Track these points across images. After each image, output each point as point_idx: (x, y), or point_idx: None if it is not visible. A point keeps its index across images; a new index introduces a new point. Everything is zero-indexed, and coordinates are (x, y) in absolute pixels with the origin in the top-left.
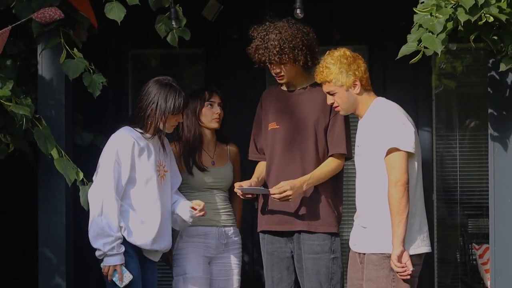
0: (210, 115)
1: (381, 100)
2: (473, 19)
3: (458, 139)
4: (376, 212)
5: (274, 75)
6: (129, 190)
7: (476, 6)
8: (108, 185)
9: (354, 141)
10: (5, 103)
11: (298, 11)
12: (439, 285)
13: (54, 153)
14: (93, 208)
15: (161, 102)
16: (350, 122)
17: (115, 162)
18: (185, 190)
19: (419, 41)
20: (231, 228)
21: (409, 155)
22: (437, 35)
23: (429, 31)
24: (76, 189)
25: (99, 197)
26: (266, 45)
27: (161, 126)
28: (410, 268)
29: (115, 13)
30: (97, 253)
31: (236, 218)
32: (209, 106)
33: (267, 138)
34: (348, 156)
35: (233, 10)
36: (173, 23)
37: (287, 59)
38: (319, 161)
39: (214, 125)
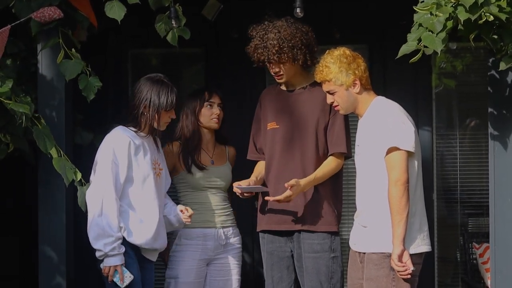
0: (209, 115)
1: (381, 99)
2: (473, 18)
3: (458, 138)
4: (376, 212)
5: (273, 74)
6: (127, 190)
7: (476, 5)
8: (107, 185)
9: (354, 141)
10: (5, 101)
11: (298, 10)
12: (439, 284)
13: (53, 152)
14: (92, 208)
15: (154, 98)
16: (349, 121)
17: (112, 162)
18: (184, 189)
19: (419, 40)
20: (230, 228)
21: (409, 154)
22: (437, 34)
23: (429, 30)
24: (76, 188)
25: (98, 197)
26: (265, 44)
27: (155, 123)
28: (410, 268)
29: (115, 12)
30: (98, 254)
31: None
32: (208, 106)
33: (266, 137)
34: (347, 155)
35: (233, 10)
36: (173, 22)
37: (286, 59)
38: (319, 160)
39: (213, 125)
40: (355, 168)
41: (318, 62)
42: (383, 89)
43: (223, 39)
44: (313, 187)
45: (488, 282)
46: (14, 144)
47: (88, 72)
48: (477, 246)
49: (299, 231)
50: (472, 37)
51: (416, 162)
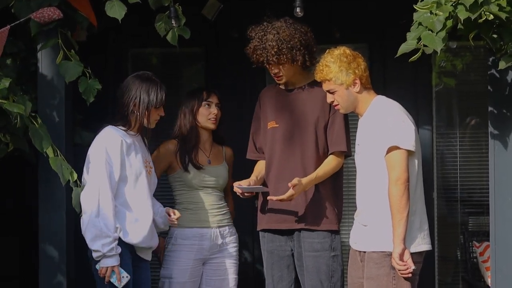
0: (207, 115)
1: (381, 98)
2: (473, 17)
3: (458, 137)
4: (376, 210)
5: (273, 75)
6: (121, 189)
7: (476, 4)
8: (102, 186)
9: (354, 140)
10: (1, 100)
11: (298, 9)
12: (439, 283)
13: (49, 151)
14: (88, 209)
15: (144, 96)
16: (350, 121)
17: (106, 161)
18: (180, 188)
19: (419, 39)
20: (226, 227)
21: (410, 153)
22: (437, 33)
23: (429, 29)
24: None
25: (94, 198)
26: (264, 45)
27: (145, 121)
28: (411, 266)
29: (116, 11)
30: (95, 255)
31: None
32: (206, 106)
33: (266, 137)
34: (347, 153)
35: (233, 10)
36: (173, 22)
37: (285, 60)
38: (319, 159)
39: (210, 125)
40: (355, 167)
41: (318, 62)
42: (383, 88)
43: (223, 39)
44: (313, 186)
45: (489, 281)
46: (14, 144)
47: (88, 74)
48: (477, 244)
49: (299, 230)
50: (472, 36)
51: (416, 161)
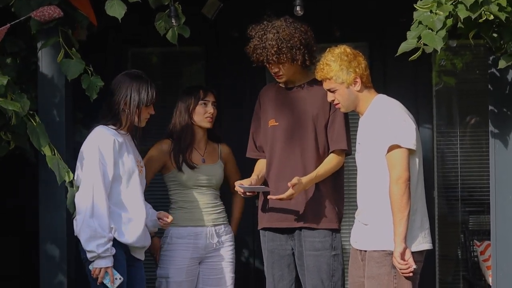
0: (203, 113)
1: (382, 97)
2: (473, 17)
3: (458, 135)
4: (377, 209)
5: (273, 74)
6: (115, 189)
7: (477, 4)
8: (96, 186)
9: (355, 139)
10: None
11: (298, 8)
12: (440, 282)
13: (46, 150)
14: (82, 210)
15: (134, 94)
16: (350, 119)
17: (99, 161)
18: (175, 187)
19: (419, 38)
20: (222, 226)
21: (410, 152)
22: (437, 32)
23: (429, 28)
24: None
25: (88, 198)
26: (264, 44)
27: (135, 120)
28: (413, 266)
29: (116, 10)
30: (90, 255)
31: (235, 217)
32: (203, 104)
33: (266, 135)
34: (348, 152)
35: (233, 9)
36: (173, 21)
37: (285, 59)
38: (319, 158)
39: (206, 124)
40: (355, 166)
41: (318, 61)
42: (383, 87)
43: (223, 38)
44: (314, 184)
45: (490, 280)
46: (15, 142)
47: (90, 72)
48: (478, 243)
49: (300, 229)
50: (472, 35)
51: (417, 160)
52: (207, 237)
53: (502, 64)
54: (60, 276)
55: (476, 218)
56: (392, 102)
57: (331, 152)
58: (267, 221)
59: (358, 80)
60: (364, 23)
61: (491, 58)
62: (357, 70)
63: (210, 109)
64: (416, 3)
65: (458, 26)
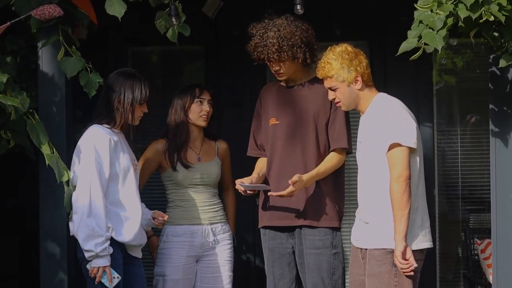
0: (199, 112)
1: (383, 95)
2: (474, 16)
3: (459, 134)
4: (378, 208)
5: (274, 72)
6: (111, 187)
7: (477, 3)
8: (93, 185)
9: (356, 137)
10: None
11: (298, 7)
12: (441, 280)
13: (45, 148)
14: (79, 209)
15: (128, 92)
16: (350, 117)
17: (95, 160)
18: (171, 187)
19: (420, 37)
20: (219, 224)
21: (411, 150)
22: (438, 31)
23: (430, 28)
24: None
25: (86, 197)
26: (265, 43)
27: (129, 118)
28: (414, 264)
29: (116, 9)
30: (88, 255)
31: (230, 214)
32: (198, 102)
33: (267, 133)
34: (348, 150)
35: (233, 9)
36: (173, 19)
37: (286, 57)
38: (320, 156)
39: (201, 123)
40: (356, 164)
41: (319, 59)
42: (383, 86)
43: (223, 38)
44: (314, 182)
45: (490, 278)
46: (14, 140)
47: (88, 69)
48: (478, 242)
49: (301, 227)
50: (472, 34)
51: (418, 159)
52: (203, 235)
53: (502, 63)
54: (60, 274)
55: (477, 216)
56: (393, 100)
57: (331, 151)
58: (267, 219)
59: (359, 78)
60: (364, 21)
61: (491, 56)
62: (358, 68)
63: (206, 107)
64: (416, 3)
65: (459, 25)
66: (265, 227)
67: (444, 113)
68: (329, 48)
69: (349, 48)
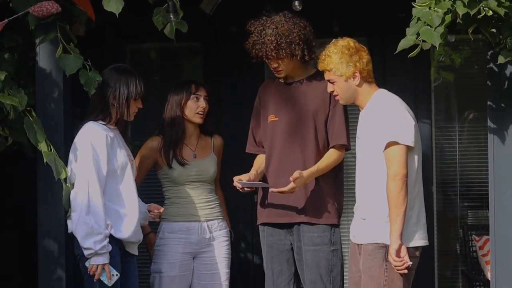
0: (195, 108)
1: (383, 92)
2: (472, 13)
3: (457, 131)
4: (375, 204)
5: (272, 69)
6: (109, 184)
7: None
8: (91, 182)
9: (354, 133)
10: None
11: (296, 3)
12: (439, 277)
13: (43, 146)
14: (77, 207)
15: (123, 88)
16: (350, 114)
17: (93, 157)
18: (167, 184)
19: (418, 34)
20: (216, 221)
21: (409, 148)
22: (435, 28)
23: (428, 25)
24: None
25: (84, 195)
26: (263, 40)
27: (125, 114)
28: (408, 262)
29: (113, 5)
30: (87, 252)
31: (222, 209)
32: (194, 99)
33: (266, 130)
34: (347, 147)
35: (232, 5)
36: (171, 16)
37: (284, 54)
38: (319, 153)
39: (197, 119)
40: (355, 161)
41: (316, 56)
42: (382, 83)
43: (222, 35)
44: (314, 179)
45: (488, 275)
46: (13, 138)
47: (88, 67)
48: (477, 238)
49: (299, 224)
50: (471, 30)
51: (415, 157)
52: (199, 232)
53: (501, 59)
54: (59, 271)
55: (475, 213)
56: (392, 97)
57: (331, 147)
58: (266, 216)
59: (357, 74)
60: (363, 18)
61: (489, 53)
62: (358, 64)
63: (202, 103)
64: (415, 1)
65: (457, 21)
66: (263, 224)
67: (442, 109)
68: (332, 41)
69: (351, 43)
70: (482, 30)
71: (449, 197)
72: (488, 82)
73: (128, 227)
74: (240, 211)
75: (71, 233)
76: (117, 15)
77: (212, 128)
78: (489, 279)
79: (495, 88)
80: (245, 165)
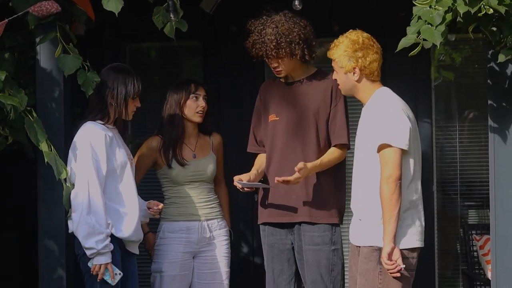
0: (194, 108)
1: (384, 90)
2: (473, 11)
3: (457, 130)
4: (371, 205)
5: (272, 69)
6: (109, 183)
7: None
8: (91, 182)
9: (355, 132)
10: None
11: (296, 2)
12: (439, 276)
13: (43, 146)
14: (78, 207)
15: (121, 87)
16: (350, 113)
17: (92, 157)
18: (167, 184)
19: (418, 33)
20: (215, 220)
21: (403, 151)
22: (436, 27)
23: (428, 23)
24: None
25: (84, 195)
26: (263, 39)
27: (123, 113)
28: (400, 265)
29: (112, 4)
30: (89, 252)
31: (224, 208)
32: (194, 98)
33: (267, 130)
34: (349, 146)
35: (232, 5)
36: (171, 15)
37: (284, 54)
38: (320, 152)
39: (197, 119)
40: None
41: (316, 56)
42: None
43: (222, 34)
44: (315, 179)
45: (489, 274)
46: (13, 137)
47: (86, 67)
48: (477, 238)
49: (300, 223)
50: (471, 29)
51: (411, 160)
52: (199, 231)
53: (501, 58)
54: (59, 271)
55: (475, 212)
56: (392, 97)
57: (332, 146)
58: (267, 215)
59: (357, 70)
60: (363, 17)
61: (490, 52)
62: (359, 61)
63: (202, 102)
64: (415, 0)
65: (457, 20)
66: (264, 224)
67: (442, 109)
68: (349, 31)
69: (361, 39)
70: (483, 29)
71: (449, 196)
72: (488, 81)
73: (128, 226)
74: (240, 211)
75: (72, 232)
76: (116, 15)
77: (211, 127)
78: (490, 278)
79: (496, 87)
80: (245, 165)
